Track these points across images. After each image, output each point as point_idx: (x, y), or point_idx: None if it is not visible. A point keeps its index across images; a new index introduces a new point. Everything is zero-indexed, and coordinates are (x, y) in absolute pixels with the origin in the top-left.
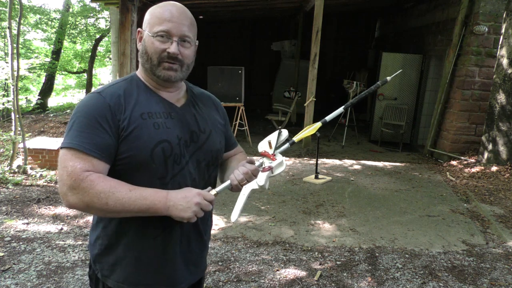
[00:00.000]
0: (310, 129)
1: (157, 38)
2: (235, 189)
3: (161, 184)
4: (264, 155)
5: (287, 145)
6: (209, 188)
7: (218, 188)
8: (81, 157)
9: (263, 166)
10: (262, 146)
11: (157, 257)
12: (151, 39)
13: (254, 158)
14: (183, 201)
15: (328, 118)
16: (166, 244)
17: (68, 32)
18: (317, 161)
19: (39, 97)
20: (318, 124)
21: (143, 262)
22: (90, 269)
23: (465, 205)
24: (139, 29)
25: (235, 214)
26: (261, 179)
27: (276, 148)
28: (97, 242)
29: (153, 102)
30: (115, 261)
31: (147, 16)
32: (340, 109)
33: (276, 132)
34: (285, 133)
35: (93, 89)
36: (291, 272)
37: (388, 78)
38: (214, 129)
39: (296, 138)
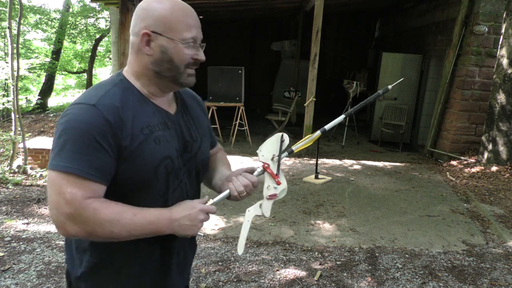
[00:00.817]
0: (309, 139)
1: (187, 46)
2: (233, 199)
3: (162, 201)
4: (266, 169)
5: (285, 154)
6: (206, 197)
7: (216, 199)
8: (80, 183)
9: (269, 194)
10: (264, 154)
11: (157, 270)
12: (179, 46)
13: (253, 166)
14: (187, 220)
15: (327, 127)
16: (166, 256)
17: (68, 32)
18: (317, 161)
19: (39, 97)
20: (318, 134)
21: (143, 277)
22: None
23: (465, 205)
24: (146, 31)
25: (241, 245)
26: (267, 209)
27: (279, 157)
28: (84, 257)
29: (150, 113)
30: (108, 279)
31: (165, 18)
32: (341, 117)
33: (278, 138)
34: (286, 139)
35: None
36: (291, 272)
37: (390, 86)
38: (204, 136)
39: (295, 148)
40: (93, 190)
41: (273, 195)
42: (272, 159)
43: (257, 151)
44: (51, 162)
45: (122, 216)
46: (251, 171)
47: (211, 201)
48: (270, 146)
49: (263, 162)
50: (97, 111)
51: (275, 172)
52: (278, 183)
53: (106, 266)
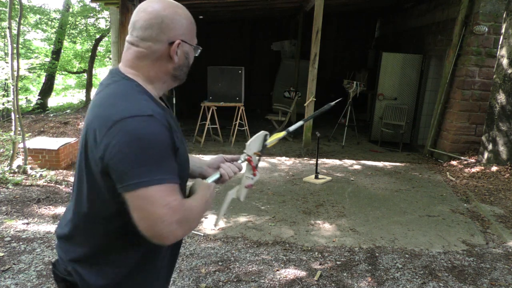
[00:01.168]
0: (277, 137)
1: (195, 50)
2: (220, 183)
3: (184, 191)
4: (249, 162)
5: (263, 149)
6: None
7: (210, 180)
8: (175, 189)
9: (247, 183)
10: (251, 148)
11: (166, 275)
12: (193, 50)
13: (236, 156)
14: (212, 195)
15: (291, 128)
16: (174, 258)
17: (68, 32)
18: (317, 161)
19: (39, 97)
20: (283, 133)
21: (158, 281)
22: None
23: (465, 205)
24: (179, 41)
25: (218, 221)
26: (244, 195)
27: (261, 151)
28: (112, 269)
29: (168, 114)
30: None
31: (189, 27)
32: (301, 122)
33: (263, 136)
34: (267, 136)
35: (94, 91)
36: (291, 272)
37: (332, 103)
38: None
39: (268, 144)
40: (180, 193)
41: (250, 185)
42: (255, 153)
43: (246, 143)
44: (138, 180)
45: (197, 206)
46: (233, 160)
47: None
48: (255, 143)
49: (248, 155)
50: (157, 120)
51: (255, 164)
52: (255, 175)
53: (132, 276)
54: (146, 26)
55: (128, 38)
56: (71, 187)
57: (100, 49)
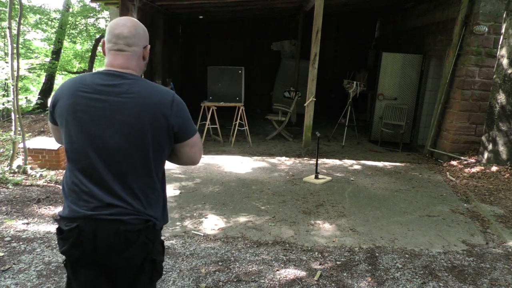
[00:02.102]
0: None
1: None
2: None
3: None
4: None
5: None
6: None
7: None
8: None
9: None
10: None
11: None
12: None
13: None
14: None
15: None
16: None
17: (68, 32)
18: (317, 161)
19: (39, 97)
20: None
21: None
22: (146, 233)
23: (465, 205)
24: (148, 45)
25: None
26: None
27: None
28: (160, 201)
29: None
30: (164, 210)
31: (147, 34)
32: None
33: None
34: None
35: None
36: (291, 272)
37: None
38: None
39: None
40: None
41: None
42: None
43: None
44: (193, 128)
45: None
46: None
47: None
48: None
49: None
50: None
51: None
52: None
53: (165, 203)
54: (131, 36)
55: (113, 47)
56: None
57: (100, 49)
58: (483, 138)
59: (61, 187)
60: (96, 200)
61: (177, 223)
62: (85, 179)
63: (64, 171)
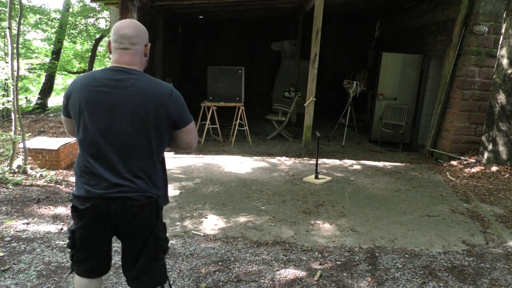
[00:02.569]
0: None
1: None
2: None
3: None
4: None
5: None
6: None
7: None
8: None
9: None
10: None
11: None
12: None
13: None
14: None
15: None
16: None
17: (68, 32)
18: (317, 161)
19: (39, 97)
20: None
21: None
22: (149, 208)
23: (465, 205)
24: (149, 44)
25: None
26: None
27: None
28: (161, 182)
29: None
30: (165, 191)
31: (148, 34)
32: None
33: None
34: None
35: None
36: (291, 272)
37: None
38: None
39: None
40: None
41: None
42: None
43: None
44: (190, 117)
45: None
46: None
47: None
48: None
49: None
50: None
51: None
52: None
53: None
54: (134, 36)
55: (119, 46)
56: (71, 187)
57: (100, 49)
58: (483, 138)
59: (61, 186)
60: (106, 181)
61: (177, 223)
62: (95, 163)
63: (64, 171)
